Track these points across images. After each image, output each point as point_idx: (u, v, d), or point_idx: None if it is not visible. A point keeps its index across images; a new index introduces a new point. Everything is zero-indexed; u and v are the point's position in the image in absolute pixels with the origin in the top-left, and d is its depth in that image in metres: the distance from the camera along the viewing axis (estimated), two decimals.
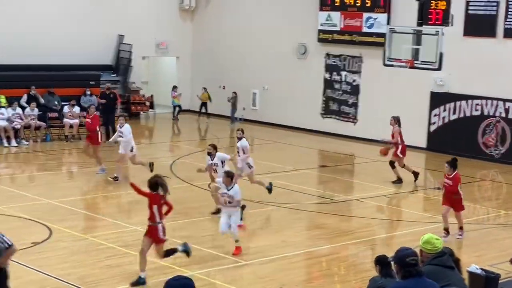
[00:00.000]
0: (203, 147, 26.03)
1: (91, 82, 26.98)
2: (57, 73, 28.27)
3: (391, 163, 19.88)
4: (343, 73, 27.94)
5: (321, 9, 28.01)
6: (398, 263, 6.87)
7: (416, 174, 19.96)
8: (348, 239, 14.72)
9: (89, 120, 20.30)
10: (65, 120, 25.38)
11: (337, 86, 28.23)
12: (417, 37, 25.44)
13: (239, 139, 16.85)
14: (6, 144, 23.55)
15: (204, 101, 31.68)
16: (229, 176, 13.16)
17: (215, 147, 15.72)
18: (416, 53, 25.44)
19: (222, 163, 15.48)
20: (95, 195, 18.20)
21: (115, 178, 18.76)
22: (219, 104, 31.33)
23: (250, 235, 14.61)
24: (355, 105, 27.66)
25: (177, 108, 31.38)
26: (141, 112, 31.29)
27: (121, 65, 30.76)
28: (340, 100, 28.11)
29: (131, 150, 18.95)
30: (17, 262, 12.21)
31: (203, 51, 32.74)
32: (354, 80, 27.66)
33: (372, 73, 26.89)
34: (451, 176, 14.71)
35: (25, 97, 25.62)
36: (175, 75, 33.41)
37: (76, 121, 25.27)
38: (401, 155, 19.82)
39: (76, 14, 29.52)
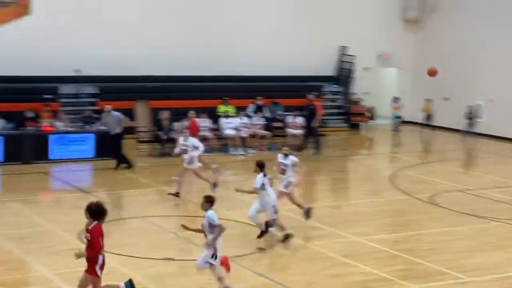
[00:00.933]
0: (425, 160, 25.73)
1: (312, 93, 27.44)
2: (282, 84, 29.24)
3: None
4: None
5: None
6: None
7: None
8: None
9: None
10: (288, 130, 26.07)
11: None
12: None
13: (286, 155, 15.46)
14: (233, 152, 24.62)
15: (428, 112, 31.10)
16: (208, 201, 11.13)
17: (259, 165, 14.22)
18: None
19: (266, 183, 14.14)
20: (319, 204, 18.48)
21: (176, 194, 17.85)
22: (442, 117, 30.71)
23: (473, 250, 14.17)
24: None
25: (398, 120, 31.11)
26: (361, 123, 31.39)
27: (343, 76, 31.09)
28: None
29: (195, 164, 17.93)
30: (243, 267, 12.74)
31: (425, 62, 32.17)
32: None
33: None
34: None
35: (252, 107, 26.69)
36: (396, 86, 33.17)
37: (299, 131, 25.82)
38: None
39: (301, 27, 30.34)
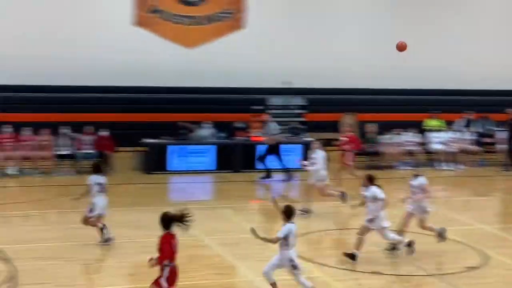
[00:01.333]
0: None
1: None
2: (493, 98, 28.20)
3: None
4: None
5: None
6: None
7: None
8: None
9: (345, 138, 20.51)
10: (498, 145, 25.10)
11: None
12: None
13: (416, 176, 14.19)
14: (441, 167, 24.04)
15: None
16: (284, 212, 10.87)
17: (369, 179, 13.46)
18: None
19: (375, 200, 13.14)
20: None
21: (304, 211, 16.72)
22: None
23: None
24: None
25: None
26: None
27: None
28: None
29: (321, 180, 17.03)
30: (450, 285, 12.36)
31: None
32: None
33: None
34: None
35: (462, 121, 25.92)
36: None
37: (506, 146, 24.70)
38: None
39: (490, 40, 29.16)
